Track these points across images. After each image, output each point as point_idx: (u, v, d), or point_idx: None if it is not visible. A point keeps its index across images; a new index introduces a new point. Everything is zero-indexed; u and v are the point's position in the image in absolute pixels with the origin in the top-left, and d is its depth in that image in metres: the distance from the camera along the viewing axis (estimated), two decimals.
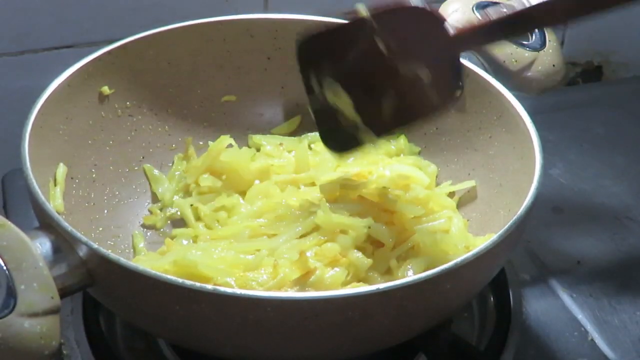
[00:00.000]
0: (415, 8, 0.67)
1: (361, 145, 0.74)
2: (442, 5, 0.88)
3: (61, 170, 0.75)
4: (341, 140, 0.75)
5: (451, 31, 0.66)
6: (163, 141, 0.86)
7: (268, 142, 0.87)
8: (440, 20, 0.67)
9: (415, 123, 0.73)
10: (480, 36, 0.67)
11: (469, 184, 0.81)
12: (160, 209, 0.83)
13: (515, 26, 0.66)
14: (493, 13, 0.67)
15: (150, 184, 0.84)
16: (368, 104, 0.71)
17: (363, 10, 0.68)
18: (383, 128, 0.72)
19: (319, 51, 0.72)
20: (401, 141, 0.86)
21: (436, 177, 0.84)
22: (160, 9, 0.99)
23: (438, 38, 0.66)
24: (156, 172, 0.84)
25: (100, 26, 0.98)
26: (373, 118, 0.71)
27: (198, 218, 0.80)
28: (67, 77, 0.77)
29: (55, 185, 0.73)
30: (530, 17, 0.65)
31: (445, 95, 0.69)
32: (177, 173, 0.85)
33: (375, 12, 0.68)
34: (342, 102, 0.72)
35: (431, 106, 0.69)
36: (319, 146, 0.84)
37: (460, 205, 0.81)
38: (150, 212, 0.83)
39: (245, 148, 0.87)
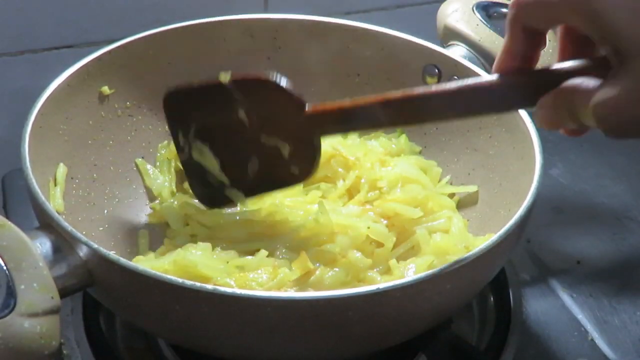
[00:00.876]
0: (273, 84, 0.66)
1: (230, 203, 0.74)
2: (442, 5, 0.88)
3: (61, 170, 0.75)
4: (211, 194, 0.75)
5: (306, 110, 0.65)
6: (163, 141, 0.86)
7: None
8: (297, 101, 0.65)
9: (279, 190, 0.73)
10: (333, 123, 0.65)
11: (470, 188, 0.81)
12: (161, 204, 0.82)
13: (368, 119, 0.63)
14: (349, 101, 0.64)
15: (143, 178, 0.84)
16: (234, 166, 0.71)
17: (224, 77, 0.68)
18: (251, 189, 0.73)
19: (186, 107, 0.72)
20: (402, 141, 0.86)
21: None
22: (160, 9, 0.99)
23: (296, 117, 0.66)
24: (149, 167, 0.84)
25: (100, 26, 0.98)
26: (240, 179, 0.72)
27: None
28: (67, 77, 0.77)
29: (55, 185, 0.73)
30: (377, 114, 0.62)
31: (304, 169, 0.69)
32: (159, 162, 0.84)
33: (234, 79, 0.68)
34: (209, 161, 0.73)
35: (291, 177, 0.70)
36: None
37: (460, 205, 0.81)
38: (153, 209, 0.82)
39: None
